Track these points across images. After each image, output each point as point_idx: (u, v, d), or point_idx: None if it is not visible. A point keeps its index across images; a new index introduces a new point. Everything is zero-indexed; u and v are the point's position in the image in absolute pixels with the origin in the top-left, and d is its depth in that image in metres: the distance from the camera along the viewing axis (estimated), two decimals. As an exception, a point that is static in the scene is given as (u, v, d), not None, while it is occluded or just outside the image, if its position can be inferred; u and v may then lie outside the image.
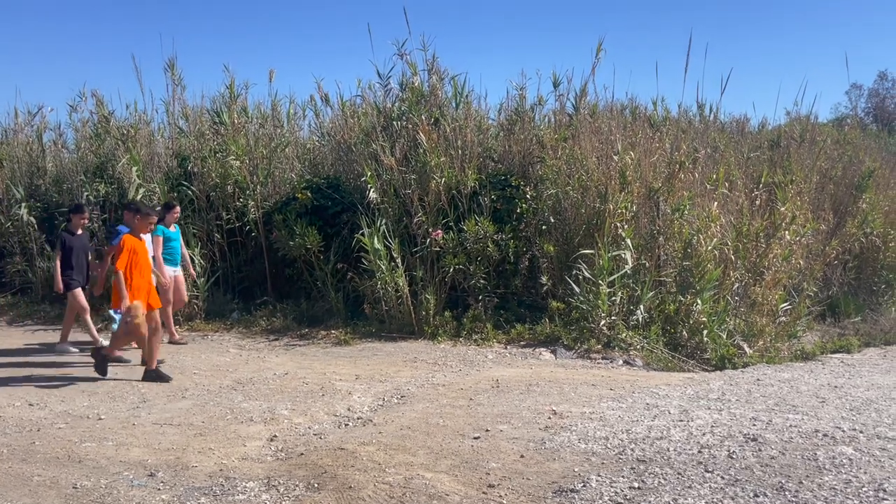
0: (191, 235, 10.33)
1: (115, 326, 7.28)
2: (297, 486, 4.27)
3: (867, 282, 12.42)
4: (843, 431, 4.97)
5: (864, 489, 3.77)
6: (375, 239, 9.08)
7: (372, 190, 9.65)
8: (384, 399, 6.34)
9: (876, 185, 13.11)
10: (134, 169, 10.67)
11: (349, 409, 6.01)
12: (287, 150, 11.54)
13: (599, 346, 8.58)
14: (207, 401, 6.36)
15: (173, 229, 8.84)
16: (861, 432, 4.95)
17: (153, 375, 7.12)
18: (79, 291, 8.48)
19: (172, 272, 8.71)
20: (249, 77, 24.29)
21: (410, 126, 10.21)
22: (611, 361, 8.24)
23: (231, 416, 5.86)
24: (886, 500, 3.62)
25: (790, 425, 5.15)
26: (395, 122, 10.44)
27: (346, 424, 5.60)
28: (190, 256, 9.59)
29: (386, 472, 4.36)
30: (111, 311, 7.28)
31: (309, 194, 10.26)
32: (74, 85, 27.90)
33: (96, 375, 7.14)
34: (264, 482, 4.36)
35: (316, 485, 4.25)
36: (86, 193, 11.25)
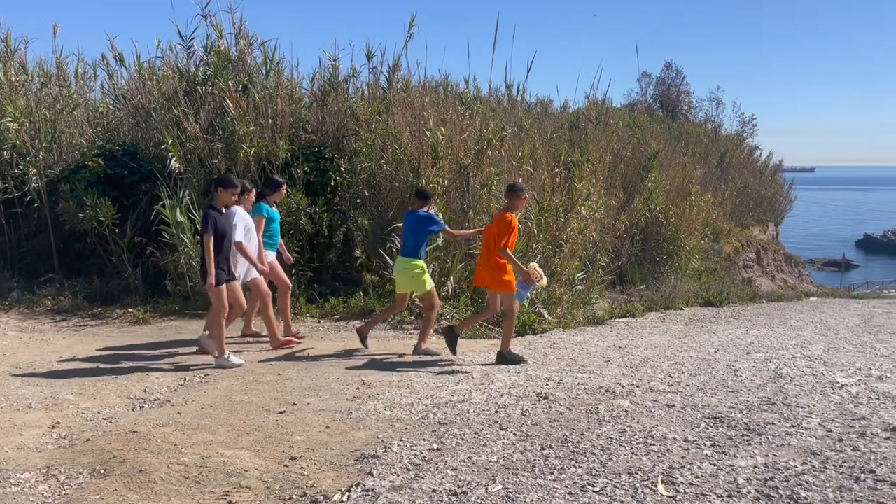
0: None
1: (524, 300, 6.81)
2: (80, 473, 3.94)
3: (651, 253, 13.77)
4: (623, 387, 5.47)
5: (635, 437, 4.18)
6: (178, 211, 8.56)
7: (174, 158, 9.07)
8: (186, 379, 6.02)
9: (660, 166, 14.53)
10: None
11: (145, 391, 5.64)
12: (75, 112, 10.50)
13: (412, 317, 8.76)
14: (-24, 390, 5.67)
15: (275, 209, 7.55)
16: (638, 387, 5.49)
17: (506, 359, 6.60)
18: (224, 289, 6.38)
19: (273, 257, 7.47)
20: (29, 31, 21.72)
21: (216, 92, 9.69)
22: (422, 332, 8.43)
23: (6, 404, 5.27)
24: (653, 444, 4.04)
25: (578, 383, 5.58)
26: (199, 88, 9.85)
27: (142, 407, 5.25)
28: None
29: (182, 452, 4.14)
30: (518, 286, 6.45)
31: (101, 162, 9.42)
32: None
33: None
34: (43, 472, 3.98)
35: (102, 471, 3.94)
36: None
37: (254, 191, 7.19)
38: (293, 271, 9.24)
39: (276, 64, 10.50)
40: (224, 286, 6.37)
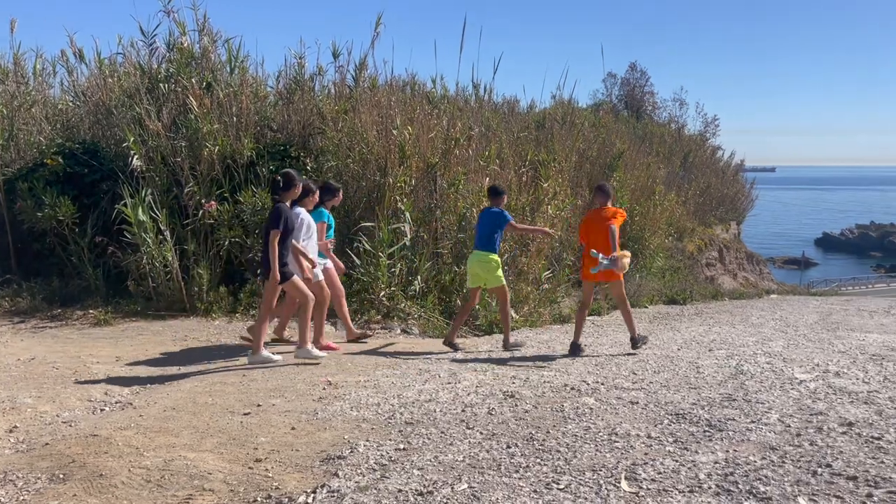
0: None
1: (606, 262, 6.81)
2: (38, 478, 3.85)
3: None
4: (588, 384, 5.53)
5: (599, 434, 4.23)
6: (140, 210, 8.42)
7: (135, 157, 8.91)
8: (148, 381, 5.93)
9: (624, 165, 14.72)
10: None
11: (106, 394, 5.54)
12: (33, 109, 10.26)
13: (379, 317, 8.75)
14: (-71, 394, 5.51)
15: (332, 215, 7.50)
16: (602, 384, 5.55)
17: (637, 343, 7.12)
18: (299, 280, 6.47)
19: (330, 263, 7.40)
20: (-15, 27, 21.16)
21: (179, 89, 9.55)
22: (389, 331, 8.44)
23: (-40, 410, 5.13)
24: (617, 441, 4.09)
25: (544, 381, 5.63)
26: (161, 85, 9.69)
27: (102, 410, 5.16)
28: None
29: (144, 455, 4.08)
30: (600, 256, 6.81)
31: (61, 160, 9.23)
32: None
33: None
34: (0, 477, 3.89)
35: (61, 476, 3.86)
36: None
37: (317, 193, 7.05)
38: (258, 271, 9.14)
39: (240, 61, 10.39)
40: (297, 278, 6.39)
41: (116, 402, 5.31)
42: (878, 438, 4.05)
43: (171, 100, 9.57)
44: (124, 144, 9.15)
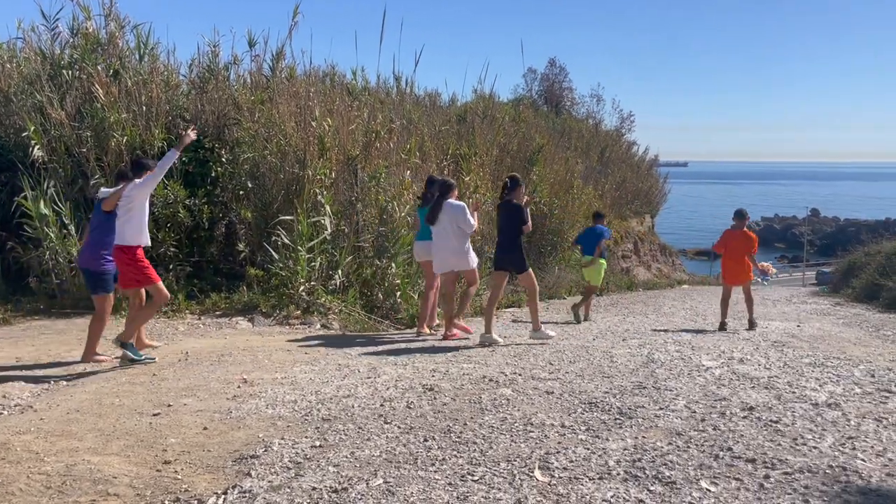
0: None
1: (764, 279, 9.35)
2: (-75, 490, 3.61)
3: (537, 244, 14.18)
4: (506, 375, 5.60)
5: (515, 424, 4.29)
6: (42, 203, 8.01)
7: (36, 147, 8.45)
8: (50, 382, 5.65)
9: (544, 159, 14.97)
10: None
11: (4, 397, 5.24)
12: (-79, 96, 9.57)
13: (299, 312, 8.60)
14: None
15: None
16: (520, 375, 5.63)
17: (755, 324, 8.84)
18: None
19: None
20: None
21: (84, 77, 9.11)
22: (309, 326, 8.32)
23: None
24: (532, 431, 4.16)
25: (463, 374, 5.67)
26: (65, 72, 9.22)
27: (0, 414, 4.87)
28: None
29: (44, 461, 3.88)
30: (762, 278, 9.20)
31: (-47, 150, 8.66)
32: None
33: None
34: None
35: (-49, 486, 3.63)
36: None
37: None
38: (170, 266, 8.85)
39: (150, 48, 9.99)
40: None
41: (15, 406, 5.03)
42: (777, 422, 4.27)
43: (76, 87, 9.12)
44: (24, 134, 8.66)
